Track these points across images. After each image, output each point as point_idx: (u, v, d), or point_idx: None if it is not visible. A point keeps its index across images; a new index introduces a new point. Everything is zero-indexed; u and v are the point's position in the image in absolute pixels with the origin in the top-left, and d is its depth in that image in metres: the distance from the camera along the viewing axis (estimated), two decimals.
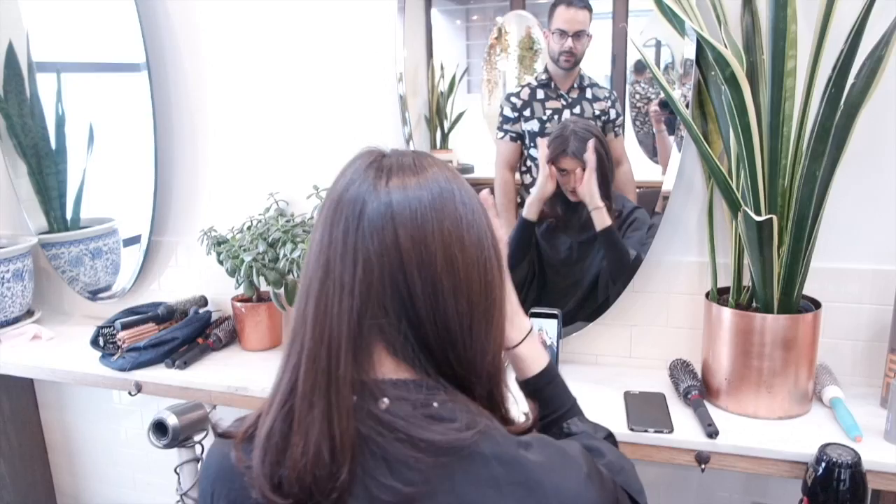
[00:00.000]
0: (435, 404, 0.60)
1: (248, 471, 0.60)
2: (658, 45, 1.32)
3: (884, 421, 1.10)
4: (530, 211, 1.42)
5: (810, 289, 1.20)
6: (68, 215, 1.92)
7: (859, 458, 0.99)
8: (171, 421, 1.35)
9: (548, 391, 0.80)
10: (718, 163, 1.13)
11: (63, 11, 1.80)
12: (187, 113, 1.70)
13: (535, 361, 0.80)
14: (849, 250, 1.28)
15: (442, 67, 1.49)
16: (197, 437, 1.45)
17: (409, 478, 0.57)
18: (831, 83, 1.03)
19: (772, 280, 1.12)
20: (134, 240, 1.81)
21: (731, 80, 1.05)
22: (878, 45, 1.04)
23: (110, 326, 1.56)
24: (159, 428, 1.37)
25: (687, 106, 1.26)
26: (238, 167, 1.68)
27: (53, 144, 1.87)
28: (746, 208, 1.07)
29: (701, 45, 1.17)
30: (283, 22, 1.57)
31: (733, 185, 1.14)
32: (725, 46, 1.08)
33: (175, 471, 1.44)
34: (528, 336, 0.80)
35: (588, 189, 1.35)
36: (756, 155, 1.09)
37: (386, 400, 0.59)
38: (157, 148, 1.70)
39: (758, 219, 1.03)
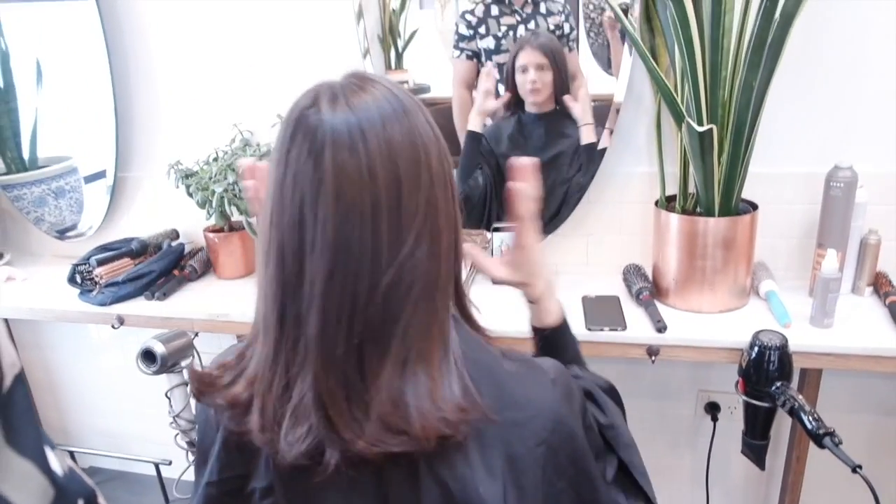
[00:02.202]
0: None
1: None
2: None
3: (810, 308, 1.22)
4: (474, 122, 1.46)
5: (749, 193, 1.30)
6: (25, 155, 1.89)
7: (786, 340, 1.12)
8: (159, 349, 1.41)
9: (560, 339, 0.83)
10: (664, 77, 1.19)
11: None
12: (142, 41, 1.66)
13: (556, 314, 0.83)
14: (784, 156, 1.37)
15: None
16: (183, 363, 1.52)
17: None
18: None
19: (713, 185, 1.22)
20: (96, 177, 1.81)
21: None
22: None
23: (85, 263, 1.59)
24: (147, 356, 1.44)
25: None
26: (199, 98, 1.68)
27: (0, 83, 1.82)
28: (689, 119, 1.14)
29: None
30: None
31: (678, 98, 1.21)
32: None
33: (166, 395, 1.52)
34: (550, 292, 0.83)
35: (583, 103, 1.39)
36: (698, 66, 1.15)
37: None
38: (114, 81, 1.67)
39: (699, 129, 1.11)
